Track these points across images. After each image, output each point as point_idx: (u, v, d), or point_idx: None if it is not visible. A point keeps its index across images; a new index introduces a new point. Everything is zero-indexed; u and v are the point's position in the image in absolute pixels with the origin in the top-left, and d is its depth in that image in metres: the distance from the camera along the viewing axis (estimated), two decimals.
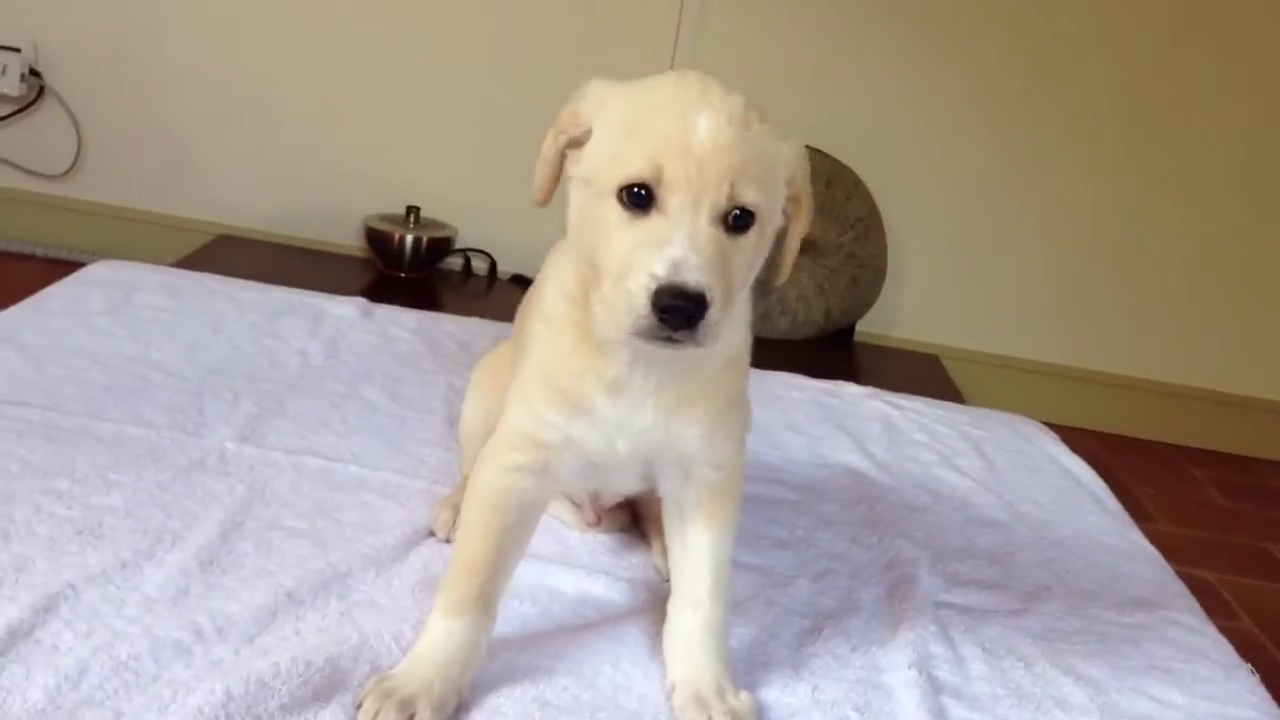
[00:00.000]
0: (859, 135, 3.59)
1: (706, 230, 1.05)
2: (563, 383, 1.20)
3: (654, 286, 1.02)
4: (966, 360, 3.73)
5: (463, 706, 1.20)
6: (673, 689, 1.26)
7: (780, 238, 1.17)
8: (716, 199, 1.06)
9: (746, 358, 1.30)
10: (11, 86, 3.42)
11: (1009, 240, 3.70)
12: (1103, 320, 3.76)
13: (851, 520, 1.80)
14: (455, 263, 3.67)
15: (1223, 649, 1.59)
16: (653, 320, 1.03)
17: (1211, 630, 1.65)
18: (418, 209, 3.56)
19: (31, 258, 3.49)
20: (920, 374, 3.54)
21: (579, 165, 1.13)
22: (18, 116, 3.51)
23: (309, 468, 1.65)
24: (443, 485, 1.66)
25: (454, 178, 3.63)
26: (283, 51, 3.52)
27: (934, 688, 1.36)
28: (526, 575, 1.44)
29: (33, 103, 3.50)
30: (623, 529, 1.60)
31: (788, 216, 1.17)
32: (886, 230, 3.61)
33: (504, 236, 3.59)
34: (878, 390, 2.46)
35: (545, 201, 1.15)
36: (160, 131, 3.55)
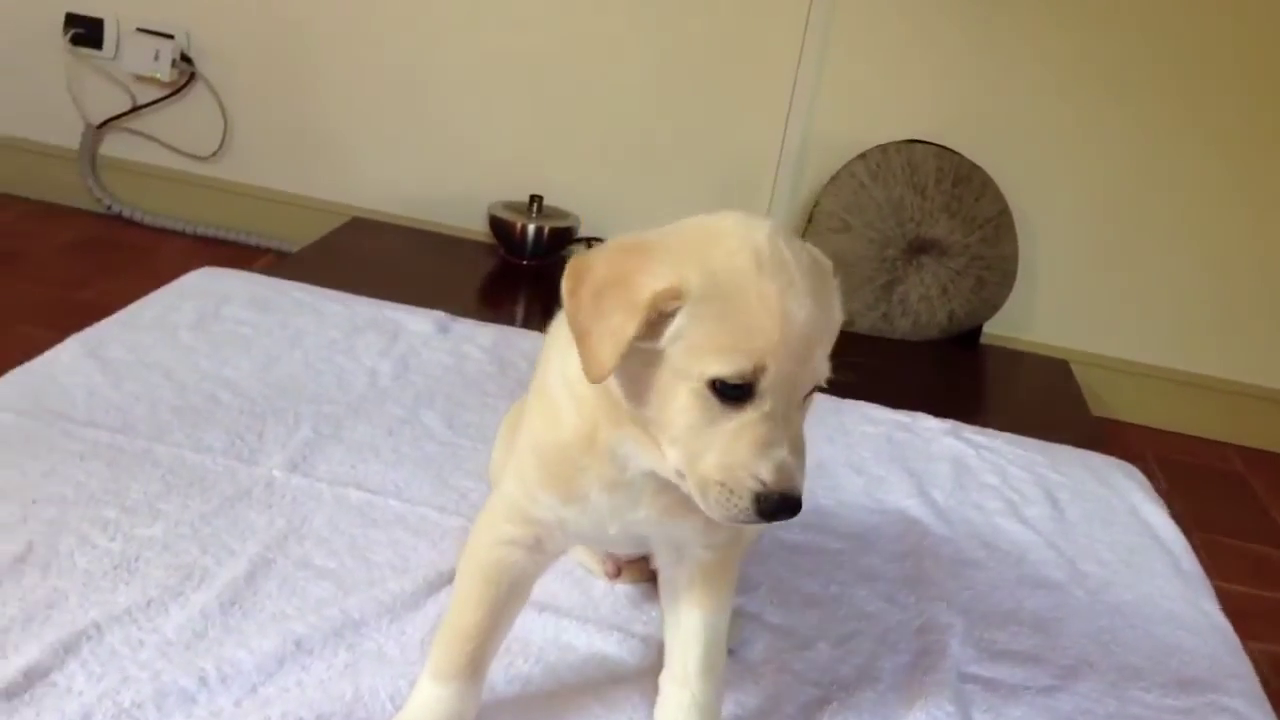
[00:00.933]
0: (992, 133, 3.46)
1: (797, 422, 1.06)
2: (558, 471, 1.20)
3: (759, 490, 1.03)
4: (1099, 366, 3.58)
5: None
6: None
7: None
8: (805, 384, 1.07)
9: None
10: (164, 71, 3.60)
11: (1147, 242, 3.53)
12: (1249, 329, 3.56)
13: (893, 576, 1.77)
14: (577, 251, 3.70)
15: None
16: (753, 517, 1.04)
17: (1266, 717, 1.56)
18: (540, 198, 3.60)
19: (181, 234, 3.66)
20: (1047, 379, 3.43)
21: (653, 340, 1.05)
22: (169, 100, 3.68)
23: (350, 501, 1.70)
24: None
25: (577, 167, 3.66)
26: (419, 43, 3.60)
27: None
28: (541, 628, 1.47)
29: (183, 87, 3.66)
30: (646, 579, 1.60)
31: None
32: (1018, 231, 3.48)
33: (624, 226, 3.59)
34: (959, 425, 2.39)
35: (604, 379, 1.05)
36: (301, 117, 3.68)
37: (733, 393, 1.04)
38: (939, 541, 1.90)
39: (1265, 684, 1.69)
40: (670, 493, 1.18)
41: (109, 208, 3.68)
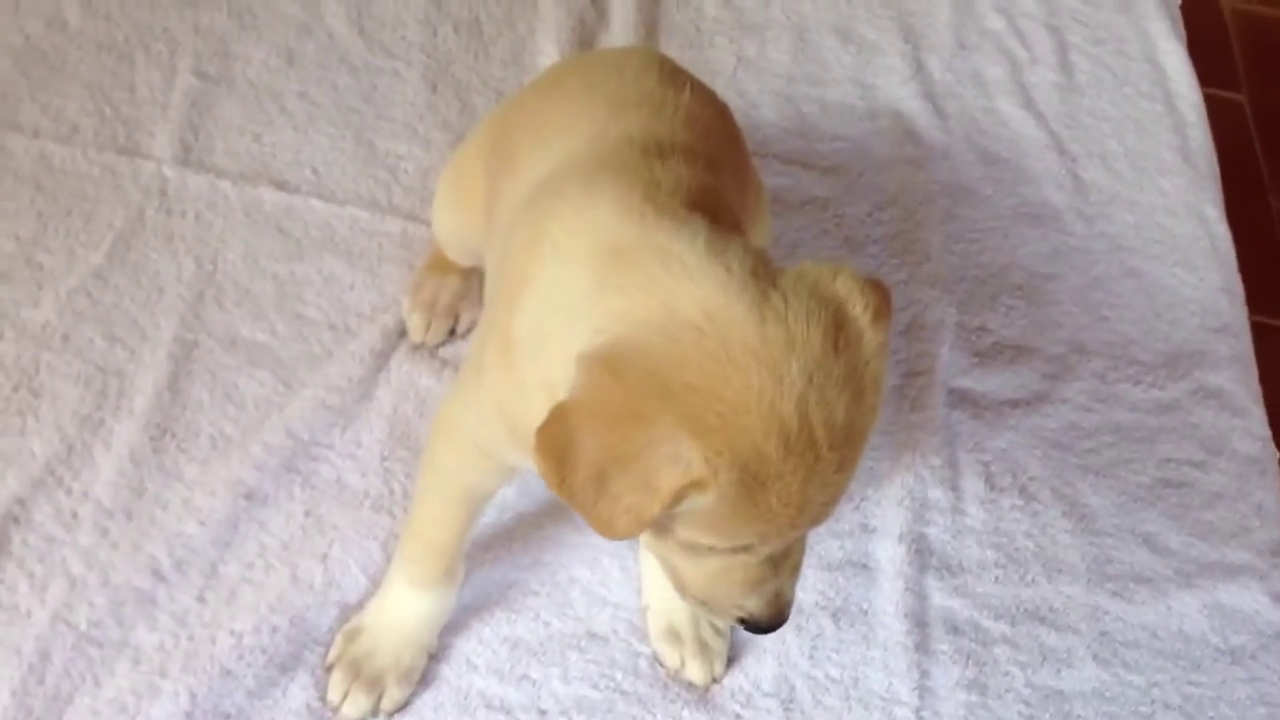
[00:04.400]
0: None
1: (801, 547, 0.92)
2: (527, 430, 1.01)
3: (744, 616, 0.92)
4: None
5: (432, 656, 1.20)
6: (647, 610, 1.25)
7: None
8: (822, 513, 0.85)
9: None
10: None
11: None
12: None
13: (880, 237, 1.60)
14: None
15: (1255, 443, 1.49)
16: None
17: (1253, 413, 1.53)
18: None
19: None
20: None
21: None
22: None
23: (265, 209, 1.46)
24: (420, 221, 1.47)
25: None
26: None
27: (920, 564, 1.33)
28: None
29: None
30: None
31: None
32: None
33: None
34: None
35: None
36: None
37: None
38: (934, 161, 1.70)
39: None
40: None
41: None
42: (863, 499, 1.36)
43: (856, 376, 0.81)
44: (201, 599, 1.19)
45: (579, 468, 0.79)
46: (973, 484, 1.40)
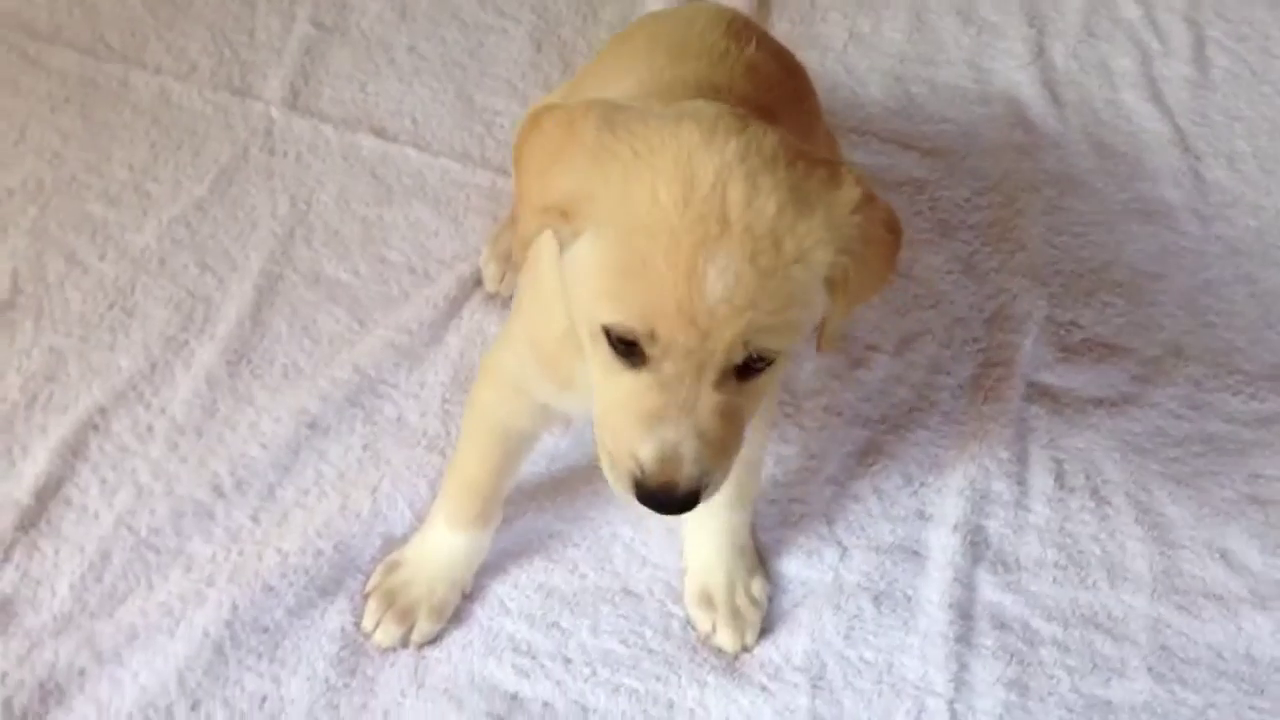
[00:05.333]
0: None
1: (711, 400, 0.83)
2: (553, 362, 1.03)
3: (636, 475, 0.85)
4: None
5: (466, 596, 1.22)
6: (685, 574, 1.25)
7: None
8: (728, 360, 0.82)
9: None
10: None
11: None
12: None
13: (977, 222, 1.56)
14: None
15: None
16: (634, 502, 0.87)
17: None
18: None
19: None
20: None
21: (562, 249, 0.86)
22: None
23: (362, 155, 1.51)
24: (508, 175, 1.49)
25: None
26: None
27: (974, 556, 1.30)
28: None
29: None
30: None
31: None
32: None
33: None
34: None
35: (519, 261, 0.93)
36: None
37: (623, 349, 0.84)
38: (1045, 149, 1.65)
39: None
40: None
41: None
42: (922, 484, 1.34)
43: (809, 200, 0.81)
44: (255, 518, 1.24)
45: (528, 144, 0.87)
46: (1041, 480, 1.36)
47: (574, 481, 1.30)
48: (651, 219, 0.79)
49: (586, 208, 0.81)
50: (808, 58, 1.36)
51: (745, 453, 1.13)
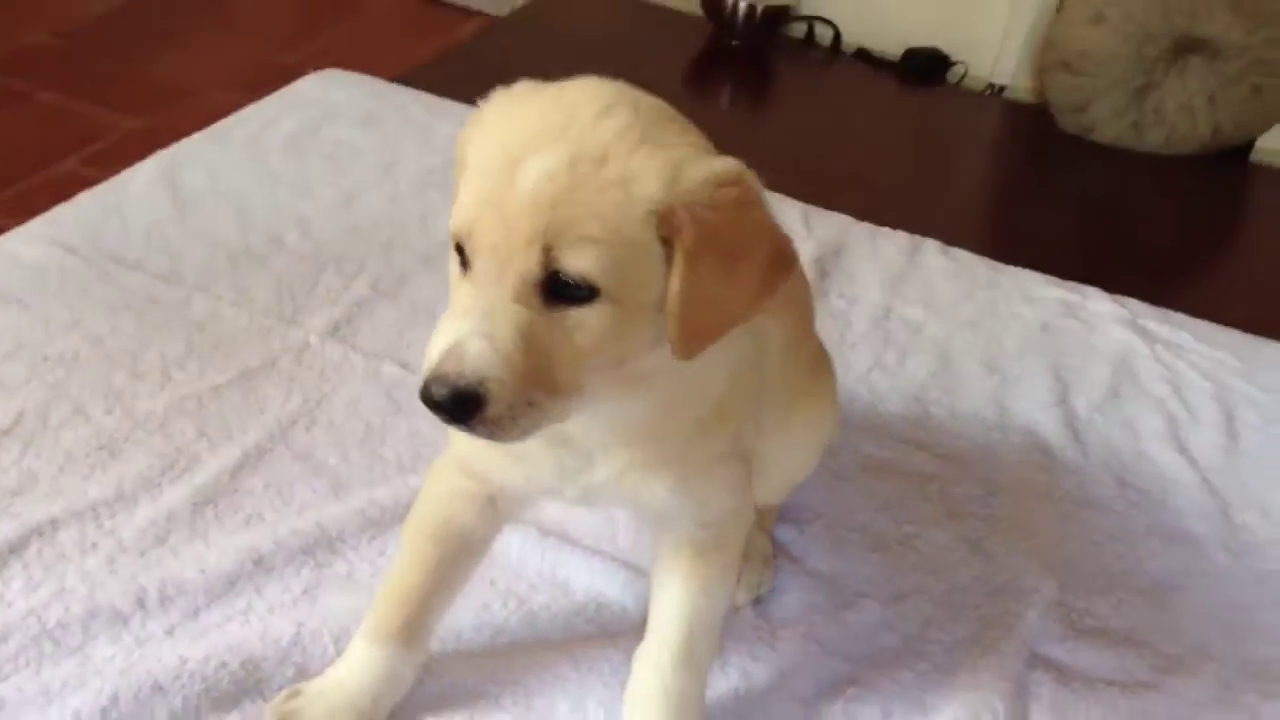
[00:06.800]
0: None
1: (508, 309, 0.82)
2: None
3: (426, 371, 0.83)
4: None
5: None
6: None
7: None
8: (525, 267, 0.82)
9: (742, 401, 1.03)
10: None
11: None
12: None
13: (984, 515, 1.50)
14: (797, 29, 3.33)
15: None
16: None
17: None
18: None
19: None
20: None
21: None
22: None
23: (380, 377, 1.56)
24: None
25: None
26: None
27: None
28: (538, 558, 1.31)
29: None
30: None
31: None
32: None
33: (852, 4, 3.22)
34: (1141, 309, 2.01)
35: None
36: None
37: (461, 261, 0.86)
38: (1062, 472, 1.60)
39: None
40: (630, 448, 0.97)
41: None
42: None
43: (663, 144, 0.83)
44: (170, 632, 1.16)
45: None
46: None
47: (513, 653, 1.20)
48: (513, 127, 0.84)
49: (466, 148, 0.88)
50: None
51: (699, 604, 1.07)
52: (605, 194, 0.81)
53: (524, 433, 0.85)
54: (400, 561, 1.11)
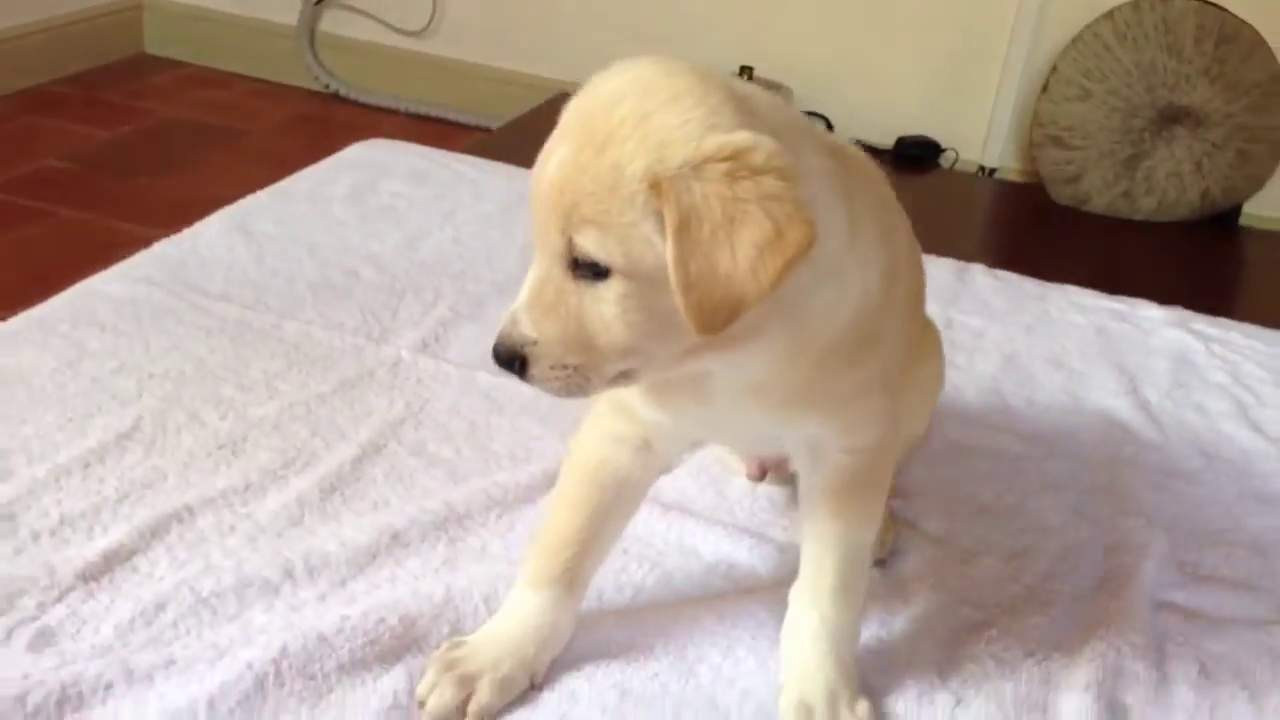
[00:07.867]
0: None
1: (547, 273, 0.93)
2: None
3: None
4: None
5: (535, 686, 1.10)
6: (781, 688, 1.11)
7: None
8: (555, 245, 0.92)
9: (881, 336, 1.06)
10: None
11: None
12: None
13: (1083, 486, 1.53)
14: None
15: None
16: None
17: None
18: (751, 69, 3.36)
19: (395, 112, 3.60)
20: None
21: None
22: None
23: (477, 384, 1.59)
24: None
25: (791, 36, 3.40)
26: None
27: (1113, 718, 1.12)
28: (664, 529, 1.33)
29: None
30: (793, 483, 1.42)
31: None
32: None
33: (842, 99, 3.34)
34: (1189, 315, 2.08)
35: None
36: None
37: None
38: (1145, 448, 1.64)
39: None
40: (763, 393, 1.01)
41: (326, 85, 3.63)
42: (1045, 658, 1.21)
43: (604, 162, 0.89)
44: (322, 599, 1.17)
45: None
46: (1184, 669, 1.23)
47: (657, 610, 1.22)
48: (562, 119, 0.95)
49: None
50: None
51: (849, 538, 1.10)
52: (600, 179, 0.88)
53: (572, 391, 0.95)
54: (557, 506, 1.13)
